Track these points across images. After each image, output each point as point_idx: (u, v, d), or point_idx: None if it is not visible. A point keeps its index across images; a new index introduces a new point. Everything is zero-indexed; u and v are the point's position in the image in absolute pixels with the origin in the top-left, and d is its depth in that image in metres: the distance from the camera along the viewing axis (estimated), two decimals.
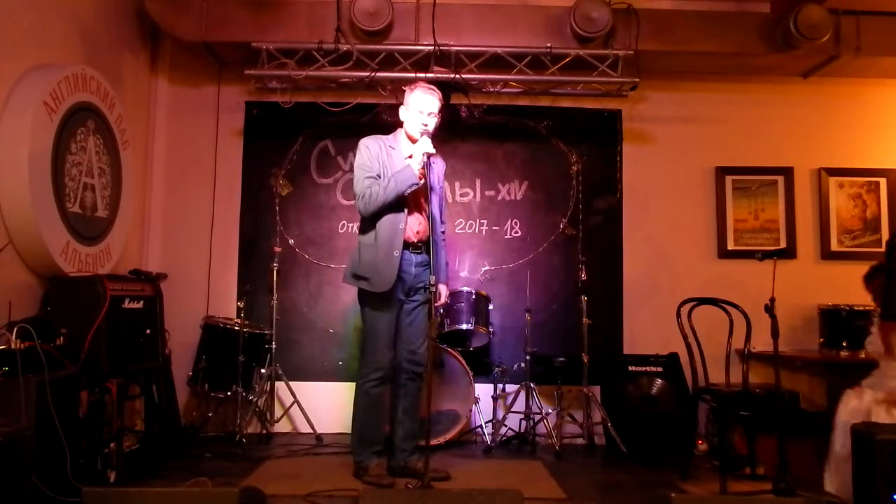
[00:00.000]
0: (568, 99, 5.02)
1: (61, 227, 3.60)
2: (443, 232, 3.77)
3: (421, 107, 3.50)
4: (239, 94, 5.04)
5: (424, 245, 3.56)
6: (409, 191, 3.43)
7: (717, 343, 3.88)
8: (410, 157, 3.47)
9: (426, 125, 3.48)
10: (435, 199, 3.55)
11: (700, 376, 3.76)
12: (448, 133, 4.87)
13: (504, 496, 2.44)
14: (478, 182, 5.11)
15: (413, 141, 3.52)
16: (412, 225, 3.53)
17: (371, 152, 3.53)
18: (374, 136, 3.62)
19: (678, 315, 3.77)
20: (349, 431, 4.46)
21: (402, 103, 3.65)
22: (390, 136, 3.64)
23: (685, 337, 3.74)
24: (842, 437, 3.32)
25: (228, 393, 4.39)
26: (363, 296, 3.56)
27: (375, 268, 3.47)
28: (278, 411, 4.66)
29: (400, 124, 3.65)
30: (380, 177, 3.47)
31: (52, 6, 3.78)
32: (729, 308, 3.82)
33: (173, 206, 5.02)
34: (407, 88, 3.63)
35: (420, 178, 3.43)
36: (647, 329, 4.89)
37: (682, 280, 4.87)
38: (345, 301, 4.98)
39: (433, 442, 3.65)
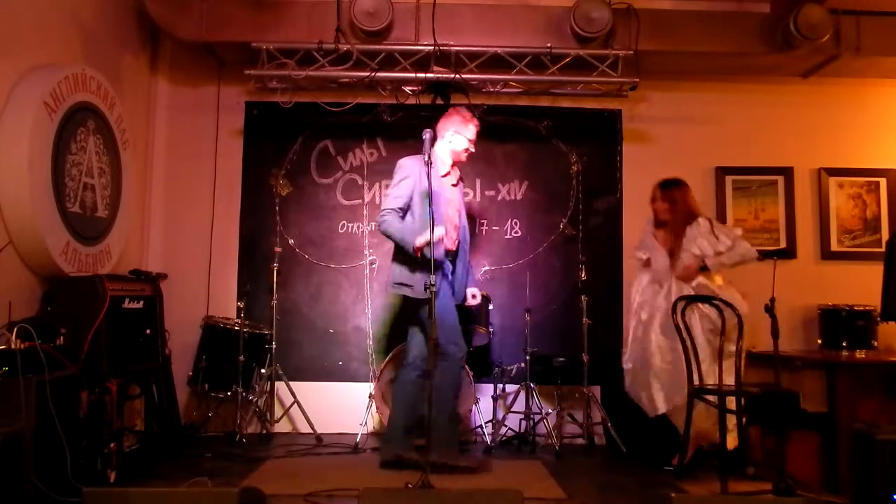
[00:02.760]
0: (568, 99, 5.02)
1: (61, 227, 3.60)
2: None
3: (471, 136, 3.98)
4: (239, 94, 5.04)
5: (453, 255, 3.96)
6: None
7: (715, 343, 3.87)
8: (448, 174, 3.96)
9: (469, 150, 4.00)
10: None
11: (695, 375, 3.75)
12: None
13: (504, 496, 2.44)
14: (478, 182, 5.11)
15: (453, 157, 3.97)
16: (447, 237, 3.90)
17: (407, 172, 3.83)
18: (412, 156, 3.90)
19: (673, 312, 3.76)
20: (349, 431, 4.51)
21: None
22: (428, 156, 3.76)
23: (679, 333, 3.72)
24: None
25: (228, 393, 4.39)
26: (405, 299, 3.86)
27: (416, 277, 3.75)
28: (278, 411, 4.66)
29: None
30: (408, 206, 3.81)
31: (52, 6, 3.78)
32: (722, 307, 3.81)
33: (173, 206, 5.02)
34: (457, 115, 3.99)
35: (416, 253, 3.69)
36: None
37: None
38: (344, 301, 4.98)
39: None
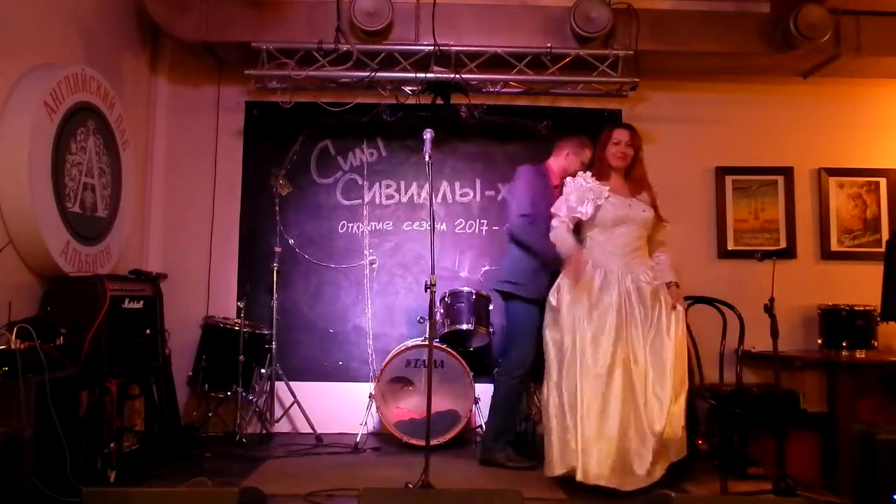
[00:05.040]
0: (568, 99, 5.02)
1: (61, 227, 3.60)
2: None
3: (584, 159, 4.13)
4: (239, 94, 5.04)
5: None
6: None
7: (715, 343, 3.88)
8: (557, 186, 4.00)
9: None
10: None
11: (696, 376, 3.75)
12: (448, 133, 4.88)
13: (504, 496, 2.44)
14: (478, 182, 5.11)
15: (561, 174, 4.08)
16: None
17: (524, 179, 4.04)
18: (529, 166, 4.14)
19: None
20: (349, 431, 4.51)
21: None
22: (542, 166, 4.19)
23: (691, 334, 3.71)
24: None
25: (228, 393, 4.39)
26: (513, 299, 3.93)
27: (529, 276, 3.88)
28: (278, 411, 4.66)
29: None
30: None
31: (52, 6, 3.78)
32: (723, 308, 3.81)
33: (173, 206, 5.02)
34: (577, 140, 4.18)
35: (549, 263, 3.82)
36: None
37: (681, 280, 4.81)
38: (344, 301, 4.98)
39: (433, 442, 3.65)
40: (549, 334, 3.55)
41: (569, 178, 3.82)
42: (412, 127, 4.84)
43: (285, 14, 4.58)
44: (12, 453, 2.36)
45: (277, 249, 4.67)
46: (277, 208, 5.02)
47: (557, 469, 3.35)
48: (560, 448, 3.34)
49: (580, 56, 4.56)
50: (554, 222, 3.71)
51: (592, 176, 3.69)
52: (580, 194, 3.64)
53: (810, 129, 5.12)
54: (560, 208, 3.71)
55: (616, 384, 3.29)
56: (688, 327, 3.73)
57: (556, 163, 4.21)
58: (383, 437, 4.52)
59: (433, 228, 3.41)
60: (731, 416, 3.74)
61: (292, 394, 4.55)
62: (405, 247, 5.03)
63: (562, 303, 3.49)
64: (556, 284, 3.61)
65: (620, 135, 3.72)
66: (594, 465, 3.22)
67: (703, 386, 3.75)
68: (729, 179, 5.09)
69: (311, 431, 4.52)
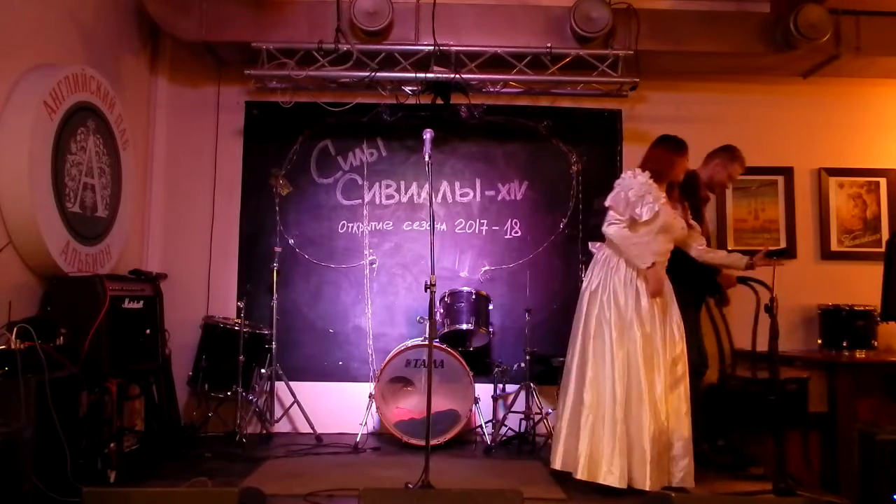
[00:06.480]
0: (568, 99, 5.02)
1: (61, 227, 3.60)
2: None
3: (735, 173, 4.23)
4: (239, 94, 5.04)
5: None
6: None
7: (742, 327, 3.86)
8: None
9: (724, 185, 4.28)
10: None
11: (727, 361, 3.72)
12: (448, 133, 4.88)
13: (504, 496, 2.45)
14: (478, 182, 5.11)
15: (714, 179, 4.20)
16: None
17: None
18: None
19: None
20: (349, 431, 4.52)
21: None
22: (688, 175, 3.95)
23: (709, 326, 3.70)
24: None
25: (228, 393, 4.39)
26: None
27: None
28: (278, 411, 4.66)
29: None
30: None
31: (52, 6, 3.78)
32: (756, 286, 3.78)
33: (173, 206, 5.02)
34: (728, 154, 4.20)
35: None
36: None
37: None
38: (344, 301, 4.98)
39: (433, 442, 3.65)
40: (581, 329, 3.58)
41: (628, 173, 3.61)
42: (412, 127, 4.84)
43: (285, 14, 4.58)
44: (12, 453, 2.36)
45: (277, 249, 4.68)
46: (277, 208, 5.02)
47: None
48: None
49: (580, 56, 4.56)
50: (612, 216, 3.54)
51: (651, 177, 3.54)
52: (640, 192, 3.48)
53: (810, 129, 5.12)
54: (618, 202, 3.53)
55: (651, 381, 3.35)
56: (722, 316, 3.69)
57: (703, 171, 4.18)
58: (383, 437, 4.52)
59: (433, 228, 3.42)
60: (731, 417, 3.75)
61: (292, 394, 4.55)
62: (405, 247, 5.03)
63: (603, 299, 3.52)
64: (604, 281, 3.56)
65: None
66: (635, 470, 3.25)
67: (708, 385, 3.74)
68: None
69: (311, 431, 4.51)
